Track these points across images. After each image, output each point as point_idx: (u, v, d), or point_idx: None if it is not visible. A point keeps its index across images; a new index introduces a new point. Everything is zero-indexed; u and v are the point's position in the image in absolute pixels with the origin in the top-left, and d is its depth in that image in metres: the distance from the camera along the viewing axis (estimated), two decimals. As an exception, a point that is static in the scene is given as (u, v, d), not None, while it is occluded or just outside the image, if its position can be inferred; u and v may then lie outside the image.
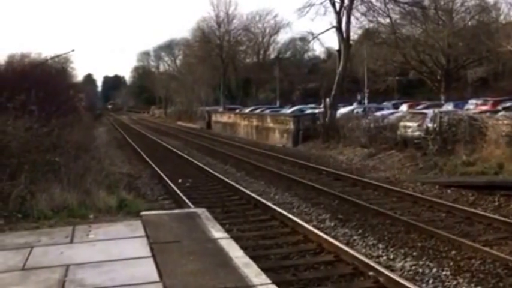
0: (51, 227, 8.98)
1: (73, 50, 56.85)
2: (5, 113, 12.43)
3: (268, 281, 6.40)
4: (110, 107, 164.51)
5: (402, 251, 11.30)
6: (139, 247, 7.76)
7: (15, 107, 12.62)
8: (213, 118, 62.70)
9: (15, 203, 9.75)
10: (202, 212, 10.12)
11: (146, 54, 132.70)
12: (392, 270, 9.82)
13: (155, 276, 6.51)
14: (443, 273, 9.82)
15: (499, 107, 32.39)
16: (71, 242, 8.15)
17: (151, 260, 7.13)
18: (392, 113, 34.21)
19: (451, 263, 10.35)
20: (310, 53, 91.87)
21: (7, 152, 11.06)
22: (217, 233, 8.49)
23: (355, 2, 37.90)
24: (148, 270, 6.76)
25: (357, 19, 42.50)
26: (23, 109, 12.95)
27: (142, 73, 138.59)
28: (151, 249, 7.59)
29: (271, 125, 41.71)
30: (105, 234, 8.51)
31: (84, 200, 10.55)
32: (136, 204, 11.60)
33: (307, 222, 13.48)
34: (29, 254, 7.47)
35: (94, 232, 8.59)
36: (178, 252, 7.46)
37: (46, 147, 12.84)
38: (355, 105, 50.20)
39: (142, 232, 8.57)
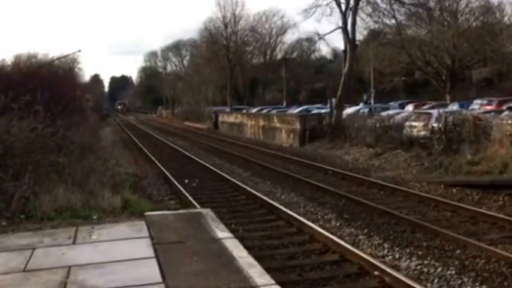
0: (54, 227, 8.99)
1: (79, 51, 56.98)
2: (10, 114, 12.41)
3: (272, 281, 6.39)
4: (119, 107, 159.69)
5: (407, 250, 11.28)
6: (143, 248, 7.76)
7: (20, 108, 12.61)
8: (220, 118, 62.78)
9: (18, 203, 9.76)
10: (206, 212, 10.14)
11: (153, 54, 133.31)
12: (398, 270, 9.79)
13: (158, 277, 6.50)
14: (448, 272, 9.80)
15: (504, 107, 32.36)
16: (74, 243, 8.15)
17: (154, 261, 7.13)
18: (398, 113, 34.20)
19: (456, 262, 10.33)
20: (316, 54, 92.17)
21: (11, 153, 11.06)
22: (222, 233, 8.49)
23: (360, 3, 38.19)
24: (151, 271, 6.75)
25: (363, 20, 42.94)
26: (28, 109, 12.92)
27: (149, 74, 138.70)
28: (155, 250, 7.59)
29: (277, 125, 41.70)
30: (108, 234, 8.52)
31: (88, 200, 10.58)
32: (140, 204, 11.62)
33: (313, 222, 13.49)
34: (30, 255, 7.48)
35: (97, 233, 8.60)
36: (182, 253, 7.46)
37: (50, 148, 12.83)
38: (361, 105, 50.30)
39: (146, 233, 8.57)
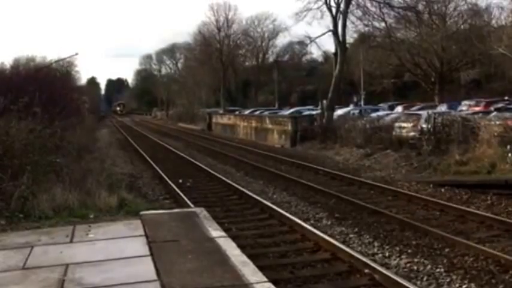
0: (52, 226, 9.08)
1: (76, 54, 56.94)
2: (9, 115, 12.53)
3: (265, 279, 6.51)
4: (118, 108, 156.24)
5: (397, 248, 11.39)
6: (138, 246, 7.88)
7: (19, 109, 12.74)
8: (214, 120, 62.90)
9: (17, 203, 9.85)
10: (200, 211, 10.25)
11: (148, 57, 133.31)
12: (388, 268, 9.92)
13: (153, 275, 6.61)
14: (437, 270, 9.92)
15: (491, 108, 32.56)
16: (71, 241, 8.25)
17: (149, 259, 7.24)
18: (388, 114, 34.35)
19: (445, 260, 10.45)
20: (308, 56, 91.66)
21: (10, 153, 11.16)
22: (215, 231, 8.61)
23: (351, 6, 38.53)
24: (146, 268, 6.87)
25: (353, 23, 43.05)
26: (26, 111, 13.06)
27: (144, 76, 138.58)
28: (150, 248, 7.70)
29: (269, 126, 41.84)
30: (105, 233, 8.63)
31: (85, 200, 10.66)
32: (136, 204, 11.73)
33: (304, 221, 13.57)
34: (29, 254, 7.58)
35: (94, 231, 8.71)
36: (177, 251, 7.58)
37: (48, 149, 12.94)
38: (351, 106, 50.51)
39: (141, 231, 8.68)
